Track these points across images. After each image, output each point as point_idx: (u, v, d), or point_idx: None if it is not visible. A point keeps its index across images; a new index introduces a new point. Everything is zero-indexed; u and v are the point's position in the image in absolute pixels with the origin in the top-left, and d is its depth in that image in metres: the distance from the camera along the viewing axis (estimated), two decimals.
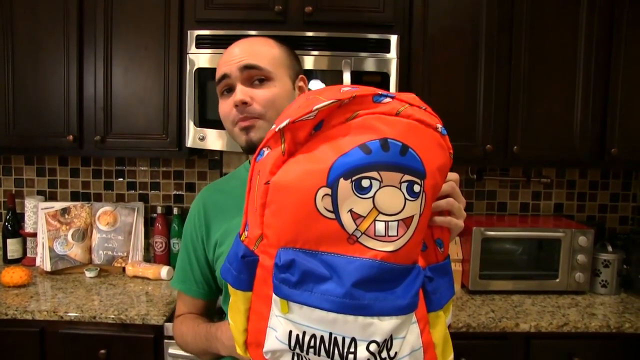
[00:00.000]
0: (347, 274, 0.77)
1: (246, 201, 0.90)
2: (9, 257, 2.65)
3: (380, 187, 0.78)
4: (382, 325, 0.77)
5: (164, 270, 2.42)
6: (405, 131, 0.81)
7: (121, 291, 2.27)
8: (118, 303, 2.11)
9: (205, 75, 2.17)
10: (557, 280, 2.33)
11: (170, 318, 2.01)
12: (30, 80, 2.33)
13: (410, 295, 0.80)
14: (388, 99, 0.83)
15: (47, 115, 2.34)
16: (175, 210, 2.65)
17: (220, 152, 2.69)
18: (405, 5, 2.23)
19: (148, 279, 2.43)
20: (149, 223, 2.72)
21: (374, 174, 0.78)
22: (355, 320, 0.76)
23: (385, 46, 2.15)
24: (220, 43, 2.17)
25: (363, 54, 2.15)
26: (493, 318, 2.06)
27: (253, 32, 2.15)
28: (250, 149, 1.16)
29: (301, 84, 1.25)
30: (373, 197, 0.78)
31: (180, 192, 2.75)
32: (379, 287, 0.78)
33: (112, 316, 2.00)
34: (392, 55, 2.15)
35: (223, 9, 2.21)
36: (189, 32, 2.19)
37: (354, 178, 0.78)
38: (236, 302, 0.90)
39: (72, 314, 2.01)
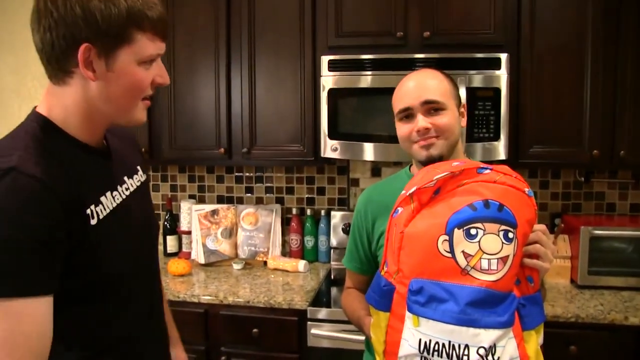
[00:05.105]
0: (462, 297, 1.09)
1: (385, 245, 1.25)
2: (168, 251, 3.13)
3: (484, 234, 1.11)
4: (488, 335, 1.09)
5: (301, 264, 2.78)
6: (501, 194, 1.14)
7: (265, 281, 2.65)
8: (265, 291, 2.49)
9: (336, 95, 2.50)
10: None
11: (312, 303, 2.37)
12: (188, 101, 2.78)
13: (508, 314, 1.11)
14: (488, 171, 1.18)
15: (201, 131, 2.78)
16: (308, 212, 3.01)
17: (348, 160, 2.99)
18: (513, 26, 2.42)
19: (287, 271, 2.79)
20: (284, 222, 3.09)
21: (479, 225, 1.11)
22: (467, 330, 1.09)
23: (496, 64, 2.37)
24: (348, 66, 2.48)
25: (475, 72, 2.38)
26: (602, 311, 2.17)
27: (375, 56, 2.45)
28: (428, 161, 1.41)
29: (462, 109, 1.50)
30: (479, 241, 1.11)
31: (312, 196, 3.09)
32: (484, 307, 1.10)
33: (263, 301, 2.38)
34: (503, 72, 2.36)
35: (351, 37, 2.53)
36: (321, 57, 2.52)
37: (465, 228, 1.12)
38: (377, 320, 1.25)
39: (230, 299, 2.41)
